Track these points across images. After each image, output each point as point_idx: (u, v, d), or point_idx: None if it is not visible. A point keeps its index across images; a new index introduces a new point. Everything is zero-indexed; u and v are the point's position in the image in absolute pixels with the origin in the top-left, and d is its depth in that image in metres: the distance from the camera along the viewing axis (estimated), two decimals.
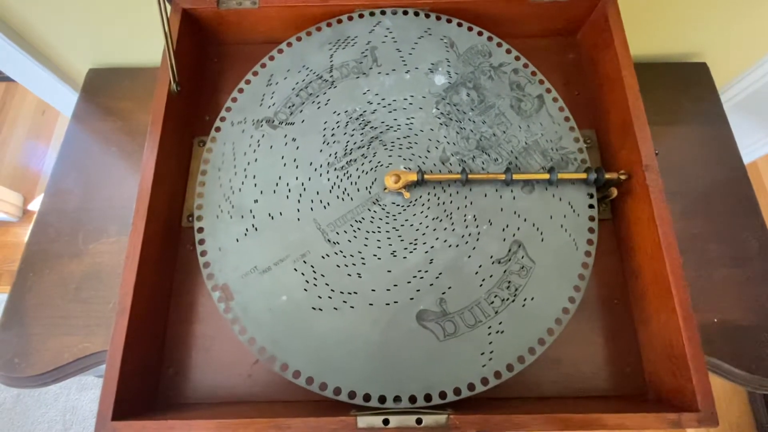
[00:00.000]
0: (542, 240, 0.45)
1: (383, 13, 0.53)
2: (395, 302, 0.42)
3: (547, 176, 0.45)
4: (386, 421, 0.36)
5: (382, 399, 0.39)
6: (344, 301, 0.42)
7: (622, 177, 0.46)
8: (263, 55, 0.52)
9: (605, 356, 0.45)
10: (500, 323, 0.41)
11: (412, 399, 0.39)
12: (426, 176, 0.45)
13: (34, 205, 1.29)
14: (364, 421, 0.36)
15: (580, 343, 0.46)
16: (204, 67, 0.57)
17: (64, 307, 0.51)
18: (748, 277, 0.52)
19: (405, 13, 0.53)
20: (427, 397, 0.39)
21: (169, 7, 0.51)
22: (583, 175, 0.46)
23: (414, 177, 0.45)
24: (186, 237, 0.50)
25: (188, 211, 0.50)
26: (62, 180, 0.58)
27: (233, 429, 0.36)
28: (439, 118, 0.49)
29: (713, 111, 0.62)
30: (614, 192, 0.47)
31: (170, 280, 0.48)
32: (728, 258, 0.53)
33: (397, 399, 0.38)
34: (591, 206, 0.46)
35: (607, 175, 0.46)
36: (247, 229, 0.45)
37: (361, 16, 0.53)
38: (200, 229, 0.45)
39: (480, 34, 0.53)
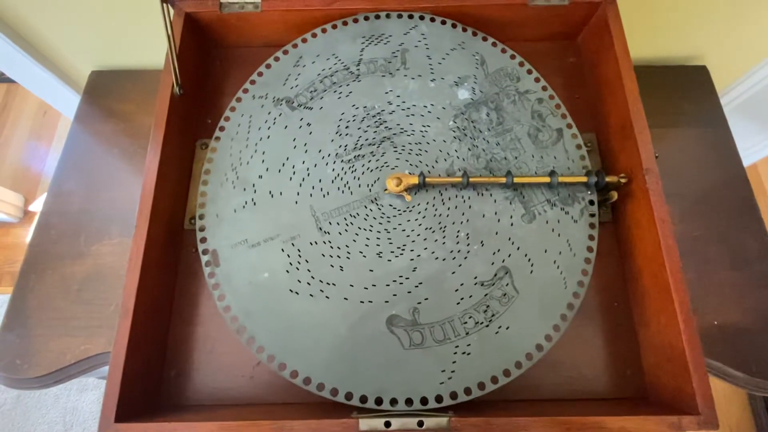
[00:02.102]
0: (531, 272, 0.44)
1: (422, 18, 0.53)
2: (370, 302, 0.43)
3: (548, 180, 0.45)
4: (388, 424, 0.36)
5: (334, 392, 0.39)
6: (321, 290, 0.43)
7: (623, 180, 0.46)
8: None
9: (606, 359, 0.46)
10: (468, 345, 0.41)
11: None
12: (427, 179, 0.46)
13: (35, 206, 1.29)
14: (365, 423, 0.36)
15: (580, 345, 0.46)
16: (206, 70, 0.58)
17: (66, 309, 0.51)
18: (748, 280, 0.53)
19: (443, 22, 0.53)
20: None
21: (171, 11, 0.51)
22: (584, 179, 0.46)
23: (415, 180, 0.45)
24: (188, 239, 0.50)
25: (190, 213, 0.50)
26: (64, 181, 0.59)
27: (235, 431, 0.36)
28: (454, 131, 0.49)
29: (713, 114, 0.63)
30: (614, 195, 0.47)
31: (172, 282, 0.48)
32: (728, 260, 0.54)
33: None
34: (590, 249, 0.45)
35: (608, 179, 0.46)
36: (246, 202, 0.46)
37: (399, 16, 0.53)
38: (203, 194, 0.47)
39: (513, 57, 0.52)
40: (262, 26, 0.55)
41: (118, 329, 0.39)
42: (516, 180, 0.45)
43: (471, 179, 0.45)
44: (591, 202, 0.46)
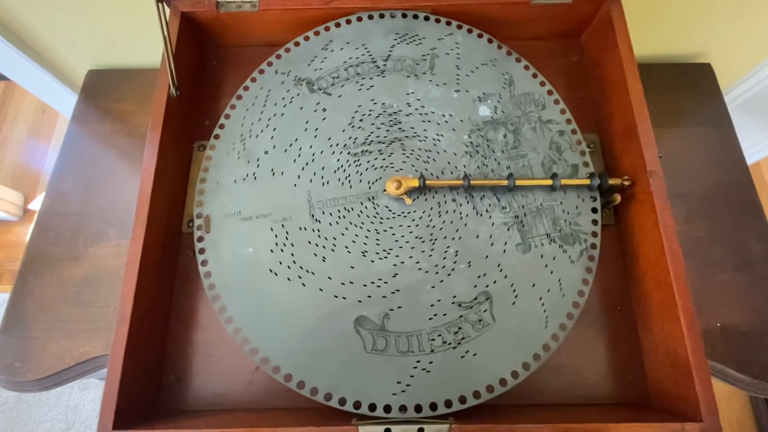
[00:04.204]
0: (513, 303, 0.42)
1: (459, 27, 0.52)
2: (343, 298, 0.42)
3: (549, 182, 0.45)
4: (388, 431, 0.36)
5: (288, 377, 0.39)
6: (299, 276, 0.43)
7: (626, 183, 0.45)
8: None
9: (608, 363, 0.45)
10: (430, 362, 0.40)
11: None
12: (428, 182, 0.45)
13: (35, 204, 1.29)
14: (365, 430, 0.36)
15: (582, 350, 0.46)
16: (203, 71, 0.57)
17: (65, 311, 0.51)
18: (752, 281, 0.52)
19: (480, 36, 0.52)
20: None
21: (167, 11, 0.50)
22: (587, 181, 0.45)
23: (416, 183, 0.45)
24: (186, 243, 0.49)
25: (188, 216, 0.50)
26: (62, 182, 0.58)
27: None
28: (466, 146, 0.48)
29: (717, 112, 0.62)
30: (618, 198, 0.47)
31: (171, 286, 0.48)
32: (731, 262, 0.53)
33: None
34: (581, 293, 0.42)
35: (611, 181, 0.45)
36: (247, 175, 0.46)
37: (437, 21, 0.52)
38: (209, 158, 0.47)
39: (542, 84, 0.51)
40: (260, 26, 0.54)
41: (116, 335, 0.39)
42: (518, 183, 0.45)
43: (472, 182, 0.45)
44: (593, 246, 0.44)
